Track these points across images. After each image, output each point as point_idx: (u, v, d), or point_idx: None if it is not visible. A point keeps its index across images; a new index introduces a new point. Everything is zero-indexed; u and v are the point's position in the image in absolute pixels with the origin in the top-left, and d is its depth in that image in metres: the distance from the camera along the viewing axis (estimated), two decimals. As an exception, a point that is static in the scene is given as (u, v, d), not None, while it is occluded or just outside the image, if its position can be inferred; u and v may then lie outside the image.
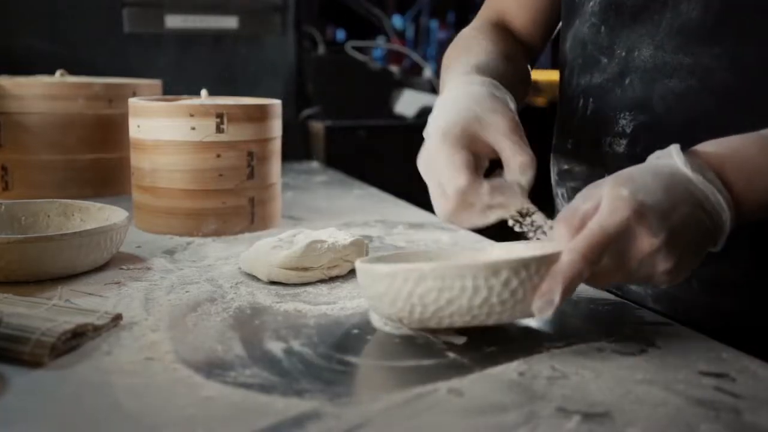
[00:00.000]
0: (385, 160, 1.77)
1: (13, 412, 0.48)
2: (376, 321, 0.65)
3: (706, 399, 0.51)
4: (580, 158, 0.81)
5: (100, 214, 0.86)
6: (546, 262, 0.55)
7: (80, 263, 0.75)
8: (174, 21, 1.60)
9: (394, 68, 2.23)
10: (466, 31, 0.91)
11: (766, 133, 0.62)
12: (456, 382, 0.53)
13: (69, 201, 0.88)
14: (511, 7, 0.92)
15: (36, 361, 0.54)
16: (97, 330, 0.59)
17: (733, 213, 0.59)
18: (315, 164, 1.71)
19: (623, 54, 0.76)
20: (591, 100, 0.80)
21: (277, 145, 1.01)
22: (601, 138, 0.78)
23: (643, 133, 0.74)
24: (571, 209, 0.59)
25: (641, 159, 0.74)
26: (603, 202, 0.57)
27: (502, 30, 0.90)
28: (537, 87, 3.28)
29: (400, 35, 2.64)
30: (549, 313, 0.56)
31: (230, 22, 1.66)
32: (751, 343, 0.62)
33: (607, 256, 0.56)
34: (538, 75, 3.32)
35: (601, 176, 0.77)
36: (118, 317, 0.62)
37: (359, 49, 2.11)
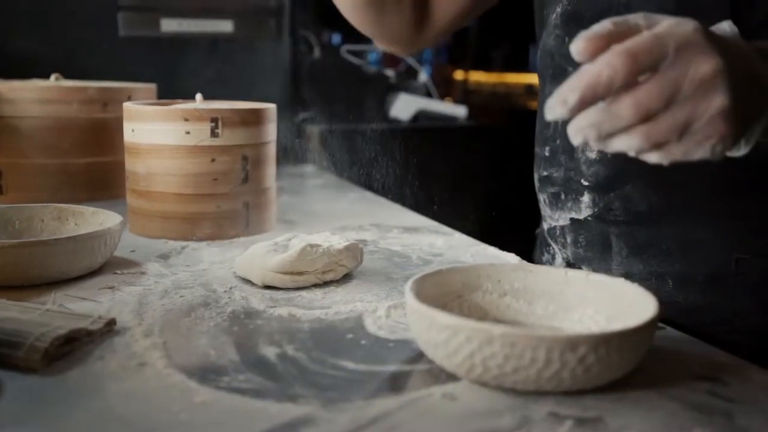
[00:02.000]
0: (380, 163, 1.77)
1: (6, 417, 0.48)
2: (371, 326, 0.65)
3: (700, 403, 0.51)
4: (557, 165, 0.83)
5: (95, 219, 0.86)
6: (630, 336, 0.51)
7: (74, 268, 0.75)
8: (169, 25, 1.60)
9: (390, 72, 2.23)
10: None
11: None
12: (450, 387, 0.53)
13: (63, 205, 0.88)
14: None
15: (29, 366, 0.54)
16: (90, 335, 0.59)
17: None
18: (310, 168, 1.71)
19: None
20: None
21: (272, 149, 1.01)
22: (574, 145, 0.79)
23: None
24: (622, 18, 0.51)
25: (613, 163, 0.76)
26: (665, 19, 0.50)
27: None
28: (535, 91, 3.29)
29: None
30: (558, 113, 0.49)
31: (225, 26, 1.66)
32: (725, 339, 0.64)
33: (661, 78, 0.48)
34: (536, 79, 3.32)
35: (577, 182, 0.81)
36: (111, 322, 0.62)
37: (354, 53, 2.11)
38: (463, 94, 3.47)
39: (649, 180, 0.73)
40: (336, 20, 2.46)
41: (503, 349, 0.50)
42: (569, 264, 0.85)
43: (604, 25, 0.50)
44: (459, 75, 3.57)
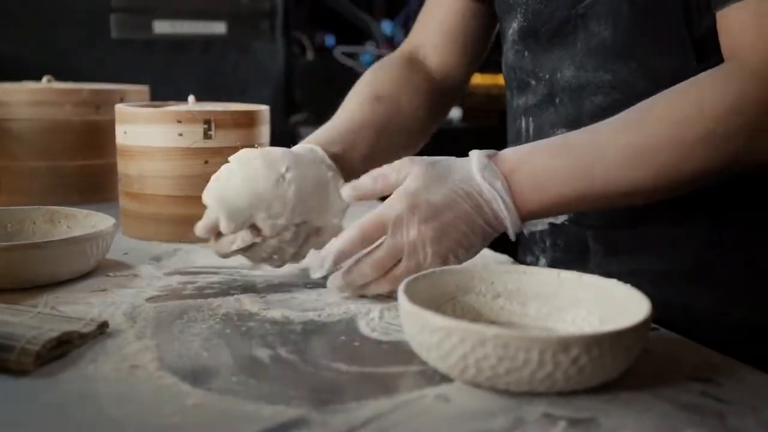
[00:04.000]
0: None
1: (-3, 421, 0.48)
2: (364, 327, 0.65)
3: (692, 404, 0.51)
4: None
5: (87, 221, 0.85)
6: (623, 337, 0.51)
7: (66, 270, 0.75)
8: (162, 27, 1.60)
9: (383, 74, 2.23)
10: (365, 75, 0.96)
11: (560, 139, 0.71)
12: (443, 389, 0.53)
13: (55, 207, 0.88)
14: (429, 42, 0.97)
15: (21, 369, 0.54)
16: (82, 338, 0.59)
17: (515, 216, 0.67)
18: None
19: (547, 76, 0.81)
20: (530, 119, 0.85)
21: (265, 151, 1.01)
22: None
23: None
24: (383, 172, 0.70)
25: None
26: (394, 193, 0.68)
27: (406, 68, 0.95)
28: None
29: (389, 41, 2.64)
30: (318, 275, 0.69)
31: (219, 28, 1.66)
32: (703, 336, 0.65)
33: (386, 246, 0.67)
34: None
35: None
36: (103, 325, 0.62)
37: (348, 55, 2.11)
38: (457, 95, 3.46)
39: None
40: (329, 22, 2.46)
41: (496, 351, 0.50)
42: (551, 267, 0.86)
43: (364, 182, 0.71)
44: (453, 77, 3.57)
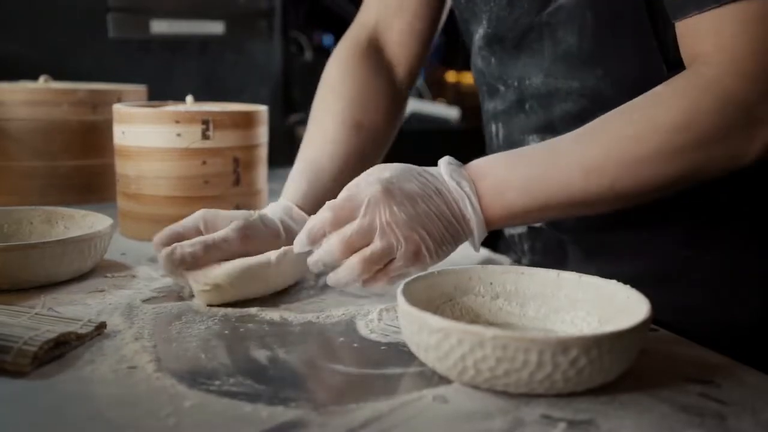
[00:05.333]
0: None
1: (-6, 422, 0.47)
2: (363, 329, 0.65)
3: (691, 405, 0.51)
4: None
5: (85, 222, 0.85)
6: (622, 338, 0.51)
7: (63, 271, 0.75)
8: (159, 26, 1.60)
9: (381, 74, 2.23)
10: (327, 83, 0.92)
11: (518, 151, 0.70)
12: (442, 390, 0.53)
13: (52, 208, 0.88)
14: (390, 26, 0.93)
15: (18, 370, 0.54)
16: (80, 339, 0.59)
17: (481, 219, 0.67)
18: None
19: (515, 83, 0.81)
20: (500, 124, 0.85)
21: (263, 152, 1.01)
22: None
23: None
24: (347, 194, 0.67)
25: None
26: (364, 182, 0.67)
27: (367, 65, 0.91)
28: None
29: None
30: (297, 250, 0.68)
31: (216, 28, 1.65)
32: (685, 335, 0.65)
33: (357, 224, 0.64)
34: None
35: None
36: (101, 326, 0.62)
37: (346, 55, 2.10)
38: (456, 95, 3.47)
39: None
40: (327, 21, 2.45)
41: (495, 352, 0.50)
42: None
43: (324, 216, 0.66)
44: (451, 76, 3.57)
